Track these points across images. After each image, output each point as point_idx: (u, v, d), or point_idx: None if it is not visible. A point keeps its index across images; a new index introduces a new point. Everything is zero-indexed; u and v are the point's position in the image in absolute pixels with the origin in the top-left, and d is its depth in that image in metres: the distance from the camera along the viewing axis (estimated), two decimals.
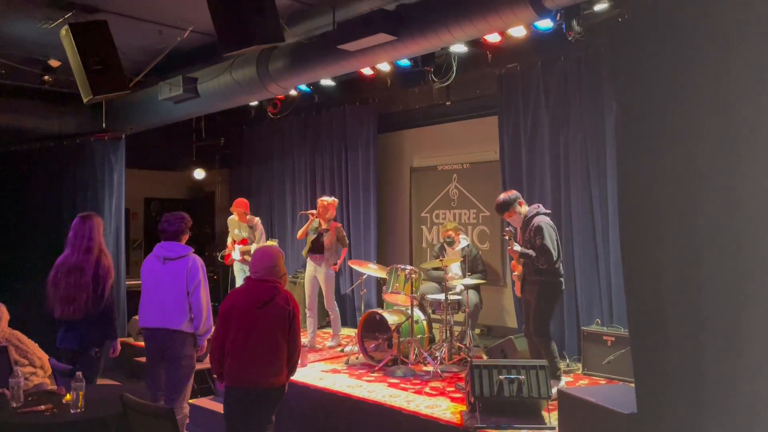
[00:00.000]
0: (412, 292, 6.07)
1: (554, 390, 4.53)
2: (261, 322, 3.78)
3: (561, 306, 6.34)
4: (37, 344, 4.79)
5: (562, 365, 6.01)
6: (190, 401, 5.62)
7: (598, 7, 4.93)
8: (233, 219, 7.95)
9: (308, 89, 7.63)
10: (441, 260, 6.32)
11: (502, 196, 5.33)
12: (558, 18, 4.84)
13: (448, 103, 7.70)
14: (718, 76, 3.11)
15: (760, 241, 2.94)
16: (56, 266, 4.78)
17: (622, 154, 3.65)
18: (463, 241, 7.00)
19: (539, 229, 5.01)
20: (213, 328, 4.64)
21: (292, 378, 4.02)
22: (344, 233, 7.27)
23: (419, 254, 8.41)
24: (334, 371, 6.08)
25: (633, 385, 3.62)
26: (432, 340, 6.52)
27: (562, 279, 5.17)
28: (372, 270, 6.75)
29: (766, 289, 2.92)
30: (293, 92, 7.54)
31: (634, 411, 3.50)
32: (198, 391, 6.17)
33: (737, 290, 3.02)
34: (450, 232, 6.99)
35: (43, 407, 3.71)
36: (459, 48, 5.95)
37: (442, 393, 5.31)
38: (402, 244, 8.68)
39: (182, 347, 4.58)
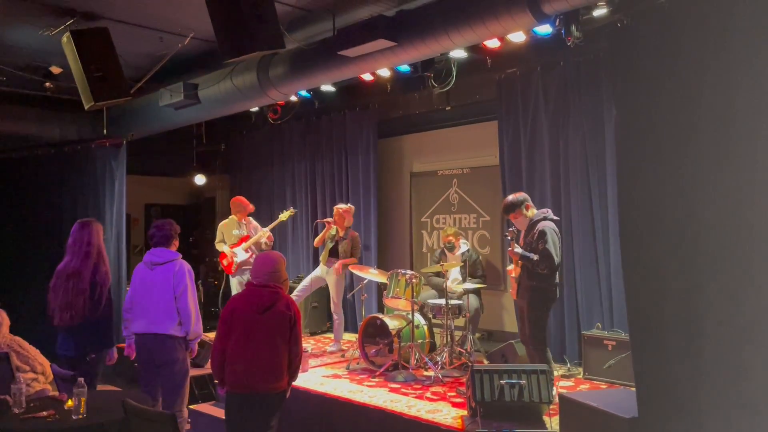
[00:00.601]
0: (412, 297, 6.08)
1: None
2: (262, 328, 3.79)
3: (560, 311, 6.35)
4: (38, 350, 4.80)
5: (563, 370, 6.02)
6: (192, 407, 5.63)
7: (597, 13, 4.94)
8: (229, 221, 7.76)
9: (308, 95, 7.65)
10: (441, 265, 6.33)
11: (510, 197, 5.30)
12: (557, 23, 4.85)
13: (448, 108, 7.72)
14: (716, 80, 3.13)
15: (760, 245, 2.94)
16: (57, 273, 4.79)
17: (621, 158, 3.67)
18: (463, 246, 7.00)
19: (542, 234, 4.97)
20: (201, 335, 4.68)
21: (293, 383, 4.03)
22: (359, 244, 7.26)
23: (420, 259, 8.42)
24: (335, 376, 6.08)
25: (634, 389, 3.62)
26: (433, 345, 6.52)
27: (556, 287, 5.12)
28: (372, 275, 6.75)
29: (765, 293, 2.93)
30: (293, 98, 7.55)
31: (635, 415, 3.51)
32: (199, 397, 6.17)
33: (737, 295, 3.03)
34: (450, 237, 6.99)
35: (45, 413, 3.72)
36: (459, 53, 5.97)
37: (443, 398, 5.31)
38: (402, 249, 8.69)
39: (173, 351, 4.58)
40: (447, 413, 4.88)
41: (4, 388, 3.91)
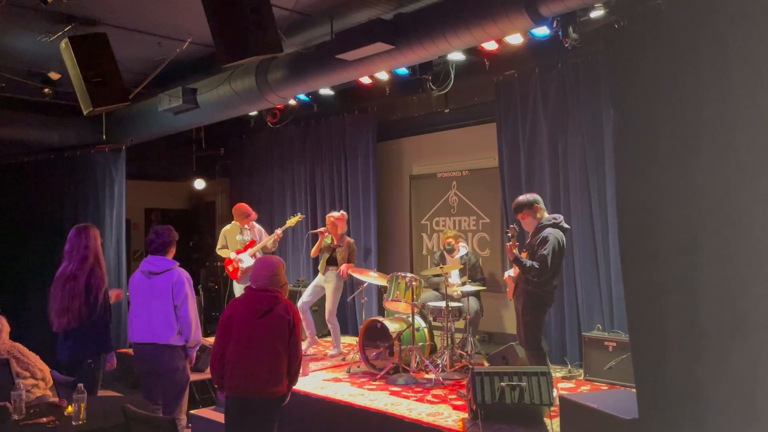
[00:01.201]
0: (413, 300, 6.07)
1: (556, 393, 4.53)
2: (261, 332, 3.78)
3: (561, 312, 6.35)
4: (38, 357, 4.80)
5: (564, 371, 6.02)
6: (192, 412, 5.63)
7: (594, 14, 4.95)
8: (232, 227, 7.70)
9: (307, 99, 7.66)
10: (441, 267, 6.33)
11: (522, 197, 5.19)
12: (554, 25, 4.85)
13: (446, 110, 7.73)
14: (715, 81, 3.13)
15: (758, 248, 2.94)
16: (55, 279, 4.81)
17: (619, 159, 3.67)
18: (462, 249, 7.00)
19: (544, 241, 4.86)
20: (201, 341, 4.66)
21: (293, 387, 4.02)
22: (355, 250, 7.20)
23: (419, 262, 8.42)
24: (336, 380, 6.07)
25: (635, 390, 3.62)
26: (433, 348, 6.51)
27: (552, 292, 5.01)
28: (372, 278, 6.75)
29: (765, 295, 2.93)
30: (292, 102, 7.56)
31: (636, 416, 3.50)
32: (199, 402, 6.16)
33: (736, 296, 3.03)
34: (450, 240, 6.99)
35: (45, 419, 3.72)
36: (457, 56, 5.97)
37: (443, 400, 5.30)
38: (402, 251, 8.69)
39: (173, 360, 4.57)
40: (448, 416, 4.87)
41: (4, 394, 3.91)
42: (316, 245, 7.24)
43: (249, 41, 4.45)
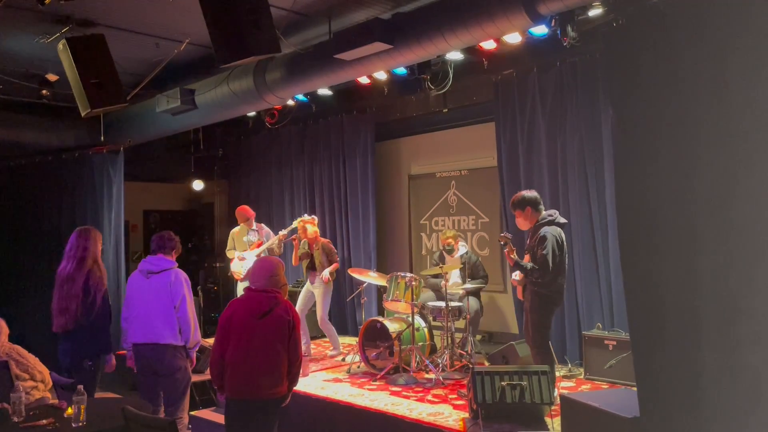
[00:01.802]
0: (412, 300, 6.07)
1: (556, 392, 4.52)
2: (261, 333, 3.77)
3: (561, 311, 6.34)
4: (37, 359, 4.79)
5: (564, 370, 6.01)
6: (192, 413, 5.61)
7: (593, 13, 4.95)
8: (240, 229, 7.75)
9: (305, 99, 7.64)
10: (441, 267, 6.32)
11: (522, 193, 5.12)
12: (553, 24, 4.85)
13: (445, 110, 7.73)
14: (713, 79, 3.13)
15: (757, 246, 2.94)
16: (56, 277, 4.84)
17: (619, 158, 3.67)
18: (462, 249, 6.99)
19: (542, 240, 4.83)
20: (200, 342, 4.64)
21: (293, 388, 4.01)
22: (332, 248, 7.11)
23: (419, 261, 8.41)
24: (336, 380, 6.07)
25: (635, 389, 3.61)
26: (433, 348, 6.51)
27: (559, 291, 4.98)
28: (372, 278, 6.74)
29: (764, 291, 2.93)
30: (290, 102, 7.55)
31: (637, 415, 3.50)
32: (199, 403, 6.15)
33: (735, 293, 3.03)
34: (449, 240, 6.98)
35: (44, 422, 3.70)
36: (455, 55, 5.97)
37: (444, 400, 5.30)
38: (401, 251, 8.68)
39: (173, 360, 4.55)
40: (448, 416, 4.86)
41: (4, 396, 3.90)
42: (294, 254, 7.21)
43: (247, 42, 4.44)
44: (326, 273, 6.89)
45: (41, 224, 8.22)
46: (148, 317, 4.55)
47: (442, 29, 4.84)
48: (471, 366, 5.47)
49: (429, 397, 5.39)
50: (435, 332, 6.67)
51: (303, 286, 7.39)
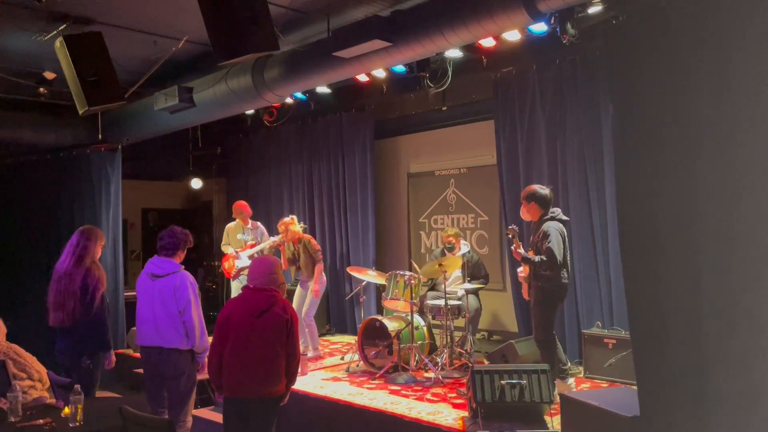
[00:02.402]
0: (411, 298, 6.05)
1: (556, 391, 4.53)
2: (259, 332, 3.75)
3: (561, 310, 6.33)
4: (35, 358, 4.77)
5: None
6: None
7: (593, 10, 4.93)
8: (235, 225, 7.73)
9: (304, 97, 7.62)
10: (440, 263, 6.25)
11: (533, 187, 5.29)
12: (552, 21, 4.84)
13: (444, 108, 7.70)
14: (714, 76, 3.11)
15: (759, 245, 2.93)
16: (53, 271, 4.85)
17: (619, 156, 3.65)
18: (463, 248, 6.97)
19: (546, 235, 5.00)
20: (208, 347, 4.55)
21: (292, 387, 3.99)
22: (314, 245, 6.89)
23: (418, 259, 8.39)
24: (335, 379, 6.05)
25: (635, 387, 3.60)
26: (433, 347, 6.49)
27: (563, 287, 5.09)
28: (371, 276, 6.72)
29: (764, 291, 2.91)
30: (289, 100, 7.53)
31: (637, 414, 3.49)
32: (198, 402, 6.13)
33: (736, 292, 3.02)
34: (451, 238, 6.95)
35: (41, 421, 3.69)
36: (454, 53, 5.95)
37: (443, 399, 5.29)
38: (401, 249, 8.67)
39: (179, 364, 4.50)
40: (448, 414, 4.85)
41: (1, 395, 3.88)
42: (281, 258, 7.10)
43: (245, 39, 4.41)
44: (313, 285, 6.73)
45: (39, 223, 8.21)
46: (154, 320, 4.50)
47: (441, 27, 4.82)
48: (470, 365, 5.46)
49: (428, 396, 5.38)
50: (434, 331, 6.65)
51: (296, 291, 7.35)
